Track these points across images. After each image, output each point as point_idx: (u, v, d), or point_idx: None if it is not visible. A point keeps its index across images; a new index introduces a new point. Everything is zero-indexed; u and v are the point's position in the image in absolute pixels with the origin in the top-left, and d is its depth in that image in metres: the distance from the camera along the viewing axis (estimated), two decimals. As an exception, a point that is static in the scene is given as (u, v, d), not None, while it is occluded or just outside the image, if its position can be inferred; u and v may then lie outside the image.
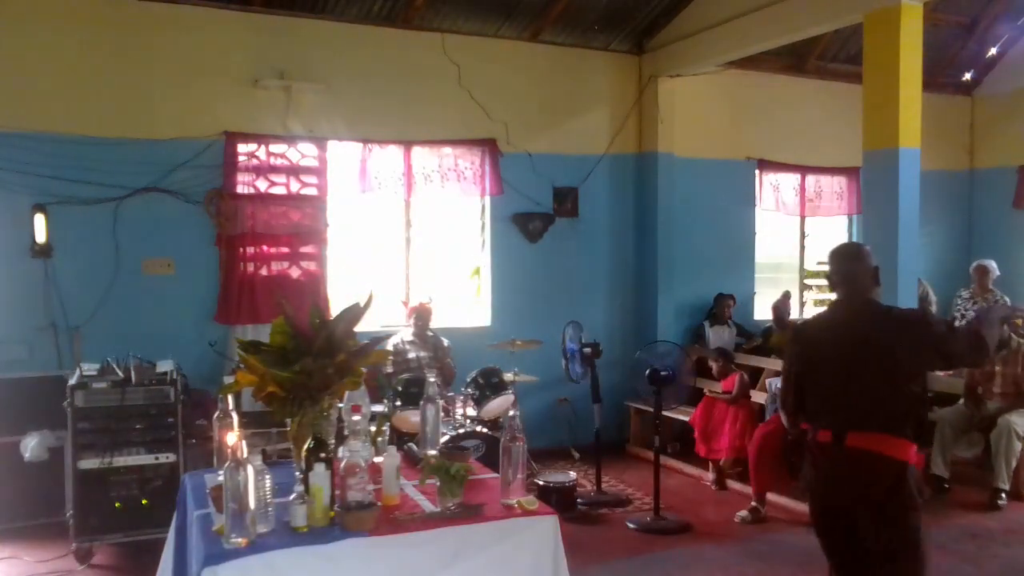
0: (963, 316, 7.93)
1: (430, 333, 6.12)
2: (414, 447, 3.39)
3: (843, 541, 3.08)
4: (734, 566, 4.69)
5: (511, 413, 2.89)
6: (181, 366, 5.07)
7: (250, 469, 2.37)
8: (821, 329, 3.28)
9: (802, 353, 3.24)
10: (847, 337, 3.05)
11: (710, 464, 6.27)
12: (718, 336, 7.50)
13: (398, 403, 5.13)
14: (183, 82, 5.99)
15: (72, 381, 4.64)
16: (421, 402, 3.38)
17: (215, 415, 3.07)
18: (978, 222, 9.31)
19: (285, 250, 6.29)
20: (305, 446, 2.63)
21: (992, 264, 7.79)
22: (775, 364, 6.46)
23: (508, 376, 5.86)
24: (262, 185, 6.22)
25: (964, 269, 8.11)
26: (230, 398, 2.98)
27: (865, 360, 2.99)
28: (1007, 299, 7.70)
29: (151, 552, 3.88)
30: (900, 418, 2.96)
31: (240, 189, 6.13)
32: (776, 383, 6.13)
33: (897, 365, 2.95)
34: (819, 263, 8.86)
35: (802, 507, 5.51)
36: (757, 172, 8.12)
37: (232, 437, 2.53)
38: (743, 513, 5.43)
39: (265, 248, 6.22)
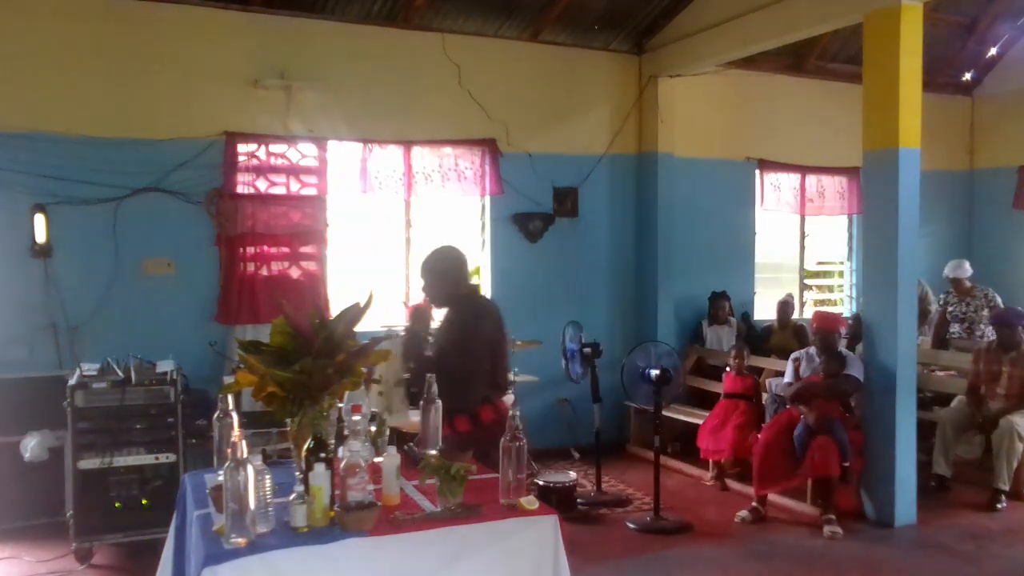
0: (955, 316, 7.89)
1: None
2: (414, 447, 3.39)
3: None
4: (734, 566, 4.69)
5: (511, 413, 2.89)
6: (181, 366, 5.08)
7: (250, 469, 2.37)
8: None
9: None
10: None
11: (710, 464, 6.27)
12: (715, 335, 7.50)
13: (398, 403, 5.12)
14: (183, 82, 5.98)
15: (72, 381, 4.64)
16: (421, 402, 3.38)
17: (215, 415, 3.07)
18: (978, 222, 9.31)
19: (285, 250, 6.28)
20: (305, 446, 2.63)
21: (963, 266, 7.61)
22: (775, 364, 6.47)
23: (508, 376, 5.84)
24: (262, 185, 6.22)
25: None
26: (230, 398, 2.98)
27: None
28: (993, 293, 7.62)
29: (151, 552, 3.90)
30: None
31: (240, 189, 6.13)
32: (776, 383, 6.14)
33: None
34: (819, 263, 8.89)
35: (802, 507, 5.52)
36: (757, 172, 8.11)
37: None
38: (743, 513, 5.43)
39: (265, 248, 6.22)
